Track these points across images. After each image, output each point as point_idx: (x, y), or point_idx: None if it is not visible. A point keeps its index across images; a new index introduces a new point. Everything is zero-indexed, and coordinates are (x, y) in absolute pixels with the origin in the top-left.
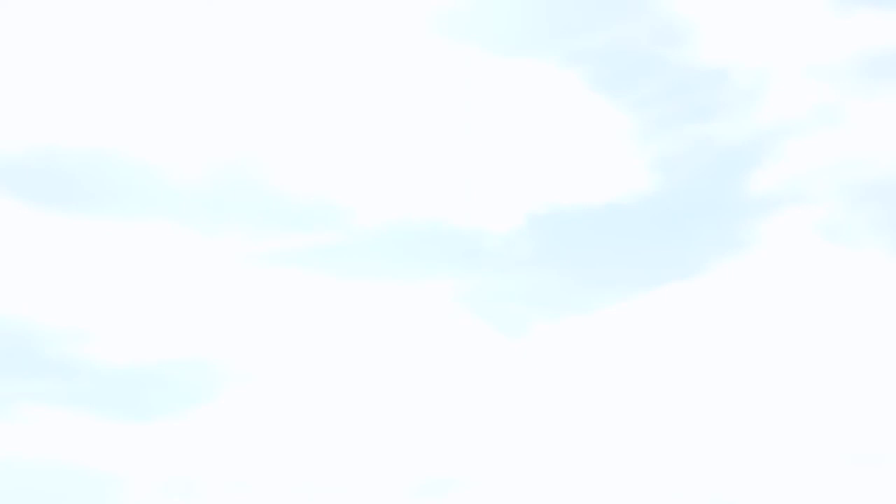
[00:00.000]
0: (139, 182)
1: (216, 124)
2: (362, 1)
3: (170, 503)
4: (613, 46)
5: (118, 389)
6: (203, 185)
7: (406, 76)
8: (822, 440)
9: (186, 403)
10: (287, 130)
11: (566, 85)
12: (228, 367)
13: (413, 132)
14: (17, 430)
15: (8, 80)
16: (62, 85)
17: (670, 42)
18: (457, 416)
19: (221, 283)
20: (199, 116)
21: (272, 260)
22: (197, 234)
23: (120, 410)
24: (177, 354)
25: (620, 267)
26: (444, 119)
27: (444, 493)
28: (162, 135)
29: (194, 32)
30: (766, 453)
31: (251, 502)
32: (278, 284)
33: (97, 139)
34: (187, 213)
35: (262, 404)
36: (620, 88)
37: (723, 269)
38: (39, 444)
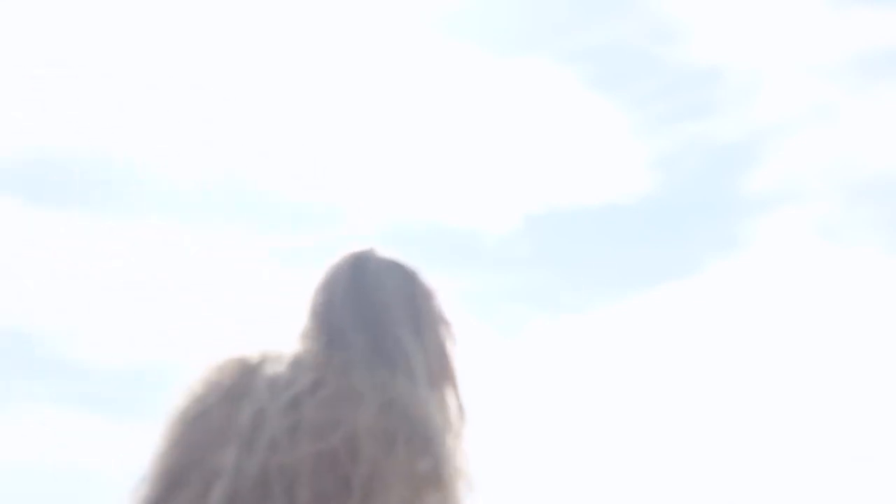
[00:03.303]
0: (139, 182)
1: (215, 124)
2: (359, 1)
3: None
4: (609, 44)
5: (116, 389)
6: (203, 185)
7: (402, 75)
8: (821, 439)
9: None
10: (286, 130)
11: (562, 83)
12: None
13: (410, 132)
14: (13, 430)
15: (7, 80)
16: (62, 84)
17: (666, 40)
18: None
19: (222, 282)
20: (198, 116)
21: (272, 260)
22: (197, 234)
23: (118, 410)
24: (176, 354)
25: (618, 266)
26: (440, 118)
27: None
28: (162, 135)
29: (193, 33)
30: (765, 452)
31: None
32: (278, 284)
33: (97, 139)
34: (187, 213)
35: None
36: (617, 87)
37: (720, 268)
38: (36, 445)
